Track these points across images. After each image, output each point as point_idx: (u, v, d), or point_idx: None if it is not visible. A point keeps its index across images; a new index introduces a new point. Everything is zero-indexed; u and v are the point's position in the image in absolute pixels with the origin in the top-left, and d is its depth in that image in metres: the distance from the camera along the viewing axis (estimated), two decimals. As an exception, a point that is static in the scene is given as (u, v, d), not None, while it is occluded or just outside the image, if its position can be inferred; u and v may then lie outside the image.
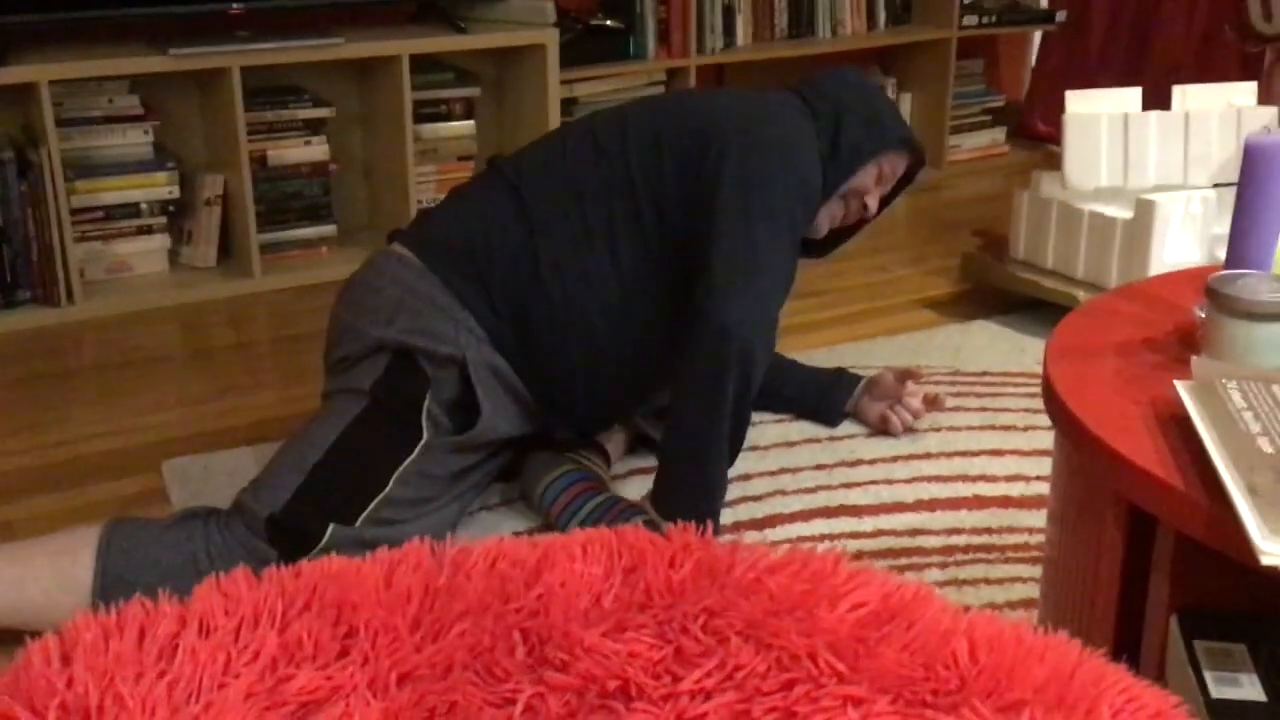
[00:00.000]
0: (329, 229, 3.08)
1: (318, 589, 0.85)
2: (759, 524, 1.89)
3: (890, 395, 2.17)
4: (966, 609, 0.84)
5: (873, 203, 2.00)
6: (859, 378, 2.21)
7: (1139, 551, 1.19)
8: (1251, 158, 1.28)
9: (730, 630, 0.80)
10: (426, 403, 1.73)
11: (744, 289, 1.71)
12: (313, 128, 3.01)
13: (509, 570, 0.86)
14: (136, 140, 2.87)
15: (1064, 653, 0.77)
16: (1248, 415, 1.10)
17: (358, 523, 1.67)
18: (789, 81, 2.05)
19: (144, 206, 2.89)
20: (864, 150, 1.93)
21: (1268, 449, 1.04)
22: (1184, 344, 1.34)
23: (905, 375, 2.18)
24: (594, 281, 1.80)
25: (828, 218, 2.00)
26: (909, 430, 2.15)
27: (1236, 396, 1.13)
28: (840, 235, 2.09)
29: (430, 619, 0.83)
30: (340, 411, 1.74)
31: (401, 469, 1.71)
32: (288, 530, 1.64)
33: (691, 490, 1.76)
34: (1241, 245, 1.31)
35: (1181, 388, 1.17)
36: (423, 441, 1.72)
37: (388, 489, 1.70)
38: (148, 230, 2.92)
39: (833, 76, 2.01)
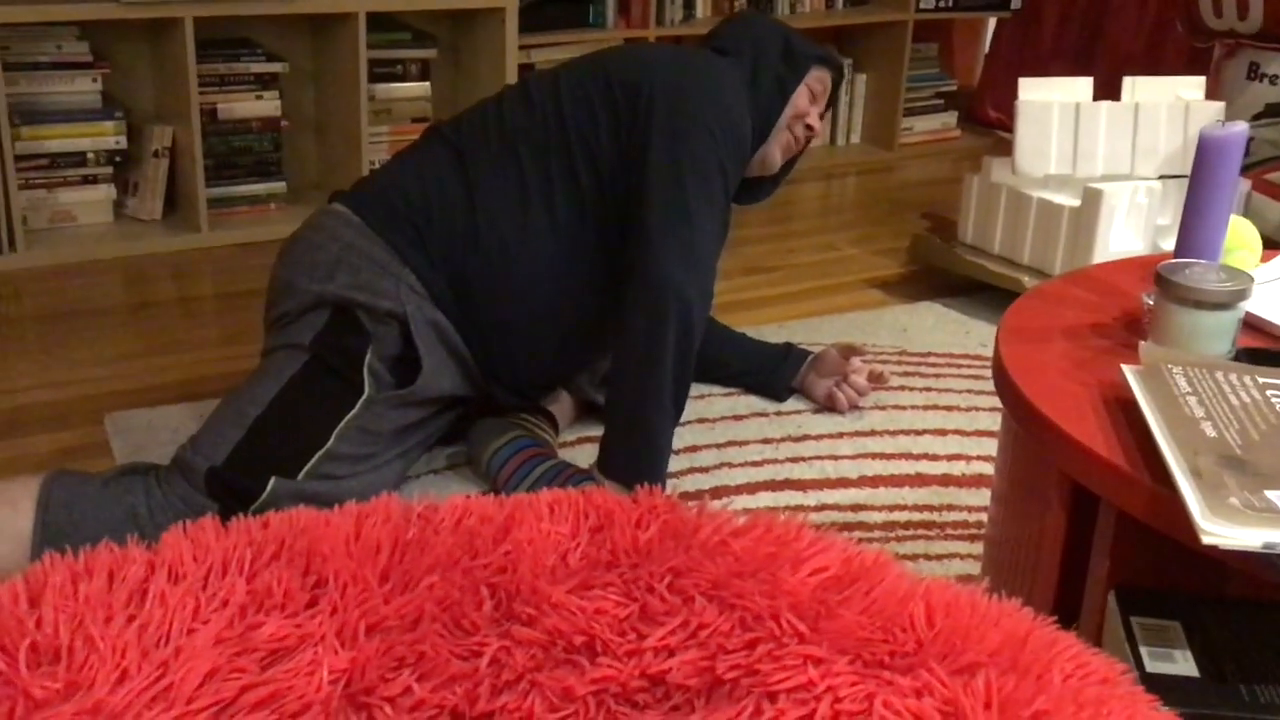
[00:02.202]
0: (278, 186, 3.05)
1: (286, 540, 0.85)
2: (705, 496, 1.92)
3: (835, 371, 2.21)
4: (922, 578, 0.87)
5: (815, 121, 2.09)
6: (807, 353, 2.24)
7: (1079, 530, 1.22)
8: (1205, 149, 1.31)
9: (695, 590, 0.82)
10: (367, 358, 1.74)
11: (676, 240, 1.75)
12: (265, 82, 2.97)
13: (477, 527, 0.87)
14: (84, 88, 2.82)
15: (1017, 619, 0.79)
16: (1192, 400, 1.14)
17: (299, 477, 1.67)
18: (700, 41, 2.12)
19: (90, 156, 2.85)
20: (787, 80, 2.02)
21: (1211, 433, 1.08)
22: (1131, 330, 1.38)
23: (849, 351, 2.22)
24: (531, 239, 1.82)
25: (779, 149, 2.07)
26: (854, 407, 2.19)
27: (1182, 381, 1.17)
28: (790, 161, 2.18)
29: (399, 571, 0.84)
30: (280, 367, 1.74)
31: (343, 424, 1.71)
32: (228, 484, 1.64)
33: (635, 450, 1.79)
34: (1191, 234, 1.34)
35: (1128, 372, 1.20)
36: (364, 396, 1.73)
37: (329, 444, 1.70)
38: (93, 180, 2.87)
39: (736, 21, 2.09)
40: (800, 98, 2.05)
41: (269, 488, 1.65)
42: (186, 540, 0.84)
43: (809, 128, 2.08)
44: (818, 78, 2.07)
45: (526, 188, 1.83)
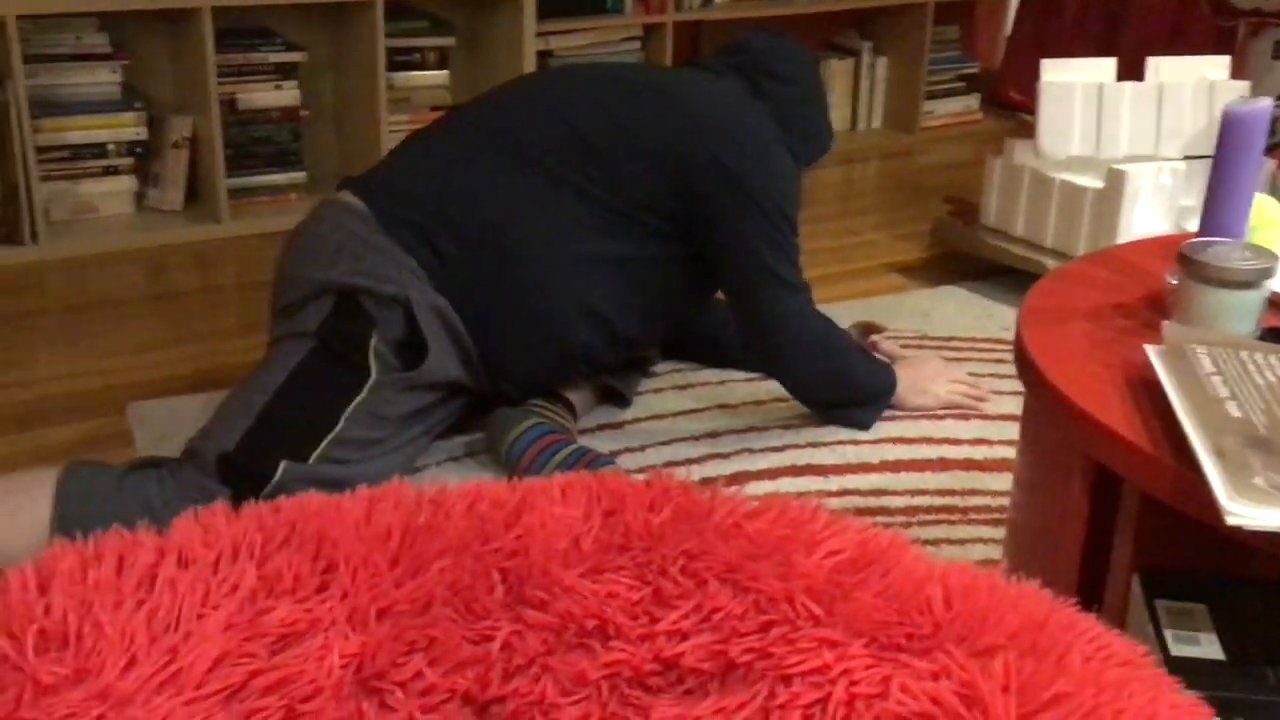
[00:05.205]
0: (298, 175, 3.05)
1: (297, 525, 0.85)
2: (726, 481, 1.90)
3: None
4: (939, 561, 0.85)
5: None
6: None
7: (1102, 513, 1.21)
8: (1229, 125, 1.29)
9: (709, 573, 0.81)
10: (373, 342, 1.74)
11: (778, 300, 1.92)
12: (284, 72, 2.97)
13: (488, 511, 0.87)
14: (104, 79, 2.82)
15: (1036, 601, 0.78)
16: (1216, 380, 1.12)
17: (309, 461, 1.67)
18: (724, 46, 2.13)
19: (111, 147, 2.85)
20: (821, 150, 2.10)
21: (1235, 413, 1.06)
22: (1154, 310, 1.36)
23: (868, 330, 2.22)
24: (543, 245, 1.82)
25: None
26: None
27: (1206, 361, 1.15)
28: None
29: (410, 556, 0.83)
30: (287, 355, 1.74)
31: (351, 408, 1.71)
32: (239, 469, 1.64)
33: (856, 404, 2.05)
34: (1215, 212, 1.32)
35: (1151, 352, 1.18)
36: (371, 380, 1.73)
37: (338, 428, 1.70)
38: (114, 171, 2.88)
39: (771, 53, 2.06)
40: None
41: (280, 472, 1.65)
42: (196, 525, 0.83)
43: None
44: None
45: (545, 195, 1.83)
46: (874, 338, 2.22)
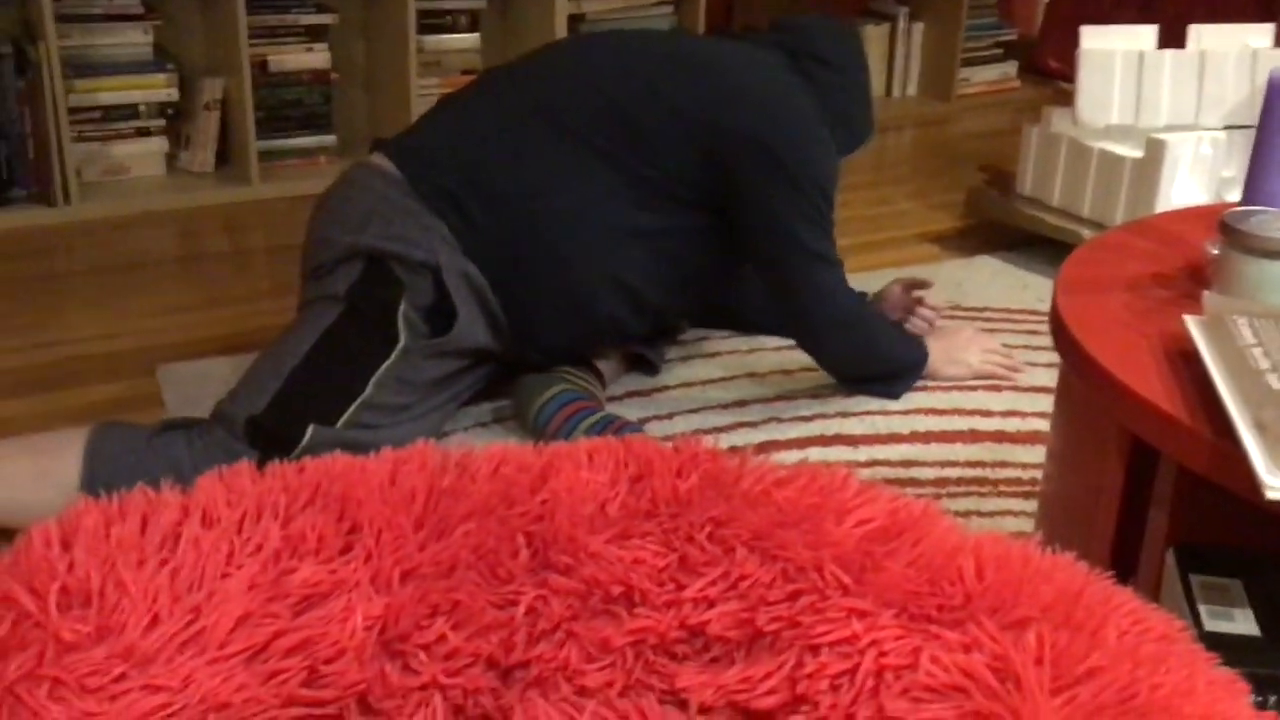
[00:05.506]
0: (328, 139, 3.05)
1: (321, 485, 0.84)
2: (754, 450, 1.89)
3: (900, 306, 2.20)
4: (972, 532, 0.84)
5: None
6: (863, 294, 2.22)
7: (1137, 486, 1.19)
8: (1274, 91, 1.26)
9: (736, 540, 0.80)
10: (402, 307, 1.73)
11: (812, 275, 1.90)
12: (315, 34, 2.96)
13: (514, 475, 0.86)
14: (136, 40, 2.82)
15: (1071, 573, 0.76)
16: (1257, 351, 1.09)
17: (338, 425, 1.67)
18: (771, 21, 2.09)
19: (142, 108, 2.85)
20: (857, 141, 2.06)
21: (1276, 385, 1.04)
22: (1194, 280, 1.33)
23: (914, 285, 2.21)
24: (575, 216, 1.81)
25: None
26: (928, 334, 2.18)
27: (1246, 332, 1.12)
28: None
29: (434, 519, 0.82)
30: (317, 318, 1.74)
31: (380, 373, 1.71)
32: (267, 431, 1.64)
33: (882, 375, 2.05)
34: (1259, 182, 1.29)
35: (1191, 322, 1.16)
36: (400, 345, 1.72)
37: (366, 392, 1.70)
38: (146, 132, 2.88)
39: (819, 34, 2.02)
40: None
41: (308, 435, 1.65)
42: (221, 485, 0.83)
43: None
44: None
45: (580, 165, 1.81)
46: (918, 293, 2.20)
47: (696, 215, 1.88)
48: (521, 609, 0.78)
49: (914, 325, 2.20)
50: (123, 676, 0.69)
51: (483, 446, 0.91)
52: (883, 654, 0.72)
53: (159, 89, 2.85)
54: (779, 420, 1.98)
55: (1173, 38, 2.66)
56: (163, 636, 0.71)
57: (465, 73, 3.15)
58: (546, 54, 1.97)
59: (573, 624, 0.78)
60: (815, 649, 0.73)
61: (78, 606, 0.72)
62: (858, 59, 2.04)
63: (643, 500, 0.84)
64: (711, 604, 0.77)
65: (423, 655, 0.77)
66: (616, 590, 0.79)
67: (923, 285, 2.21)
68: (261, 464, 0.90)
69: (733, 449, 1.86)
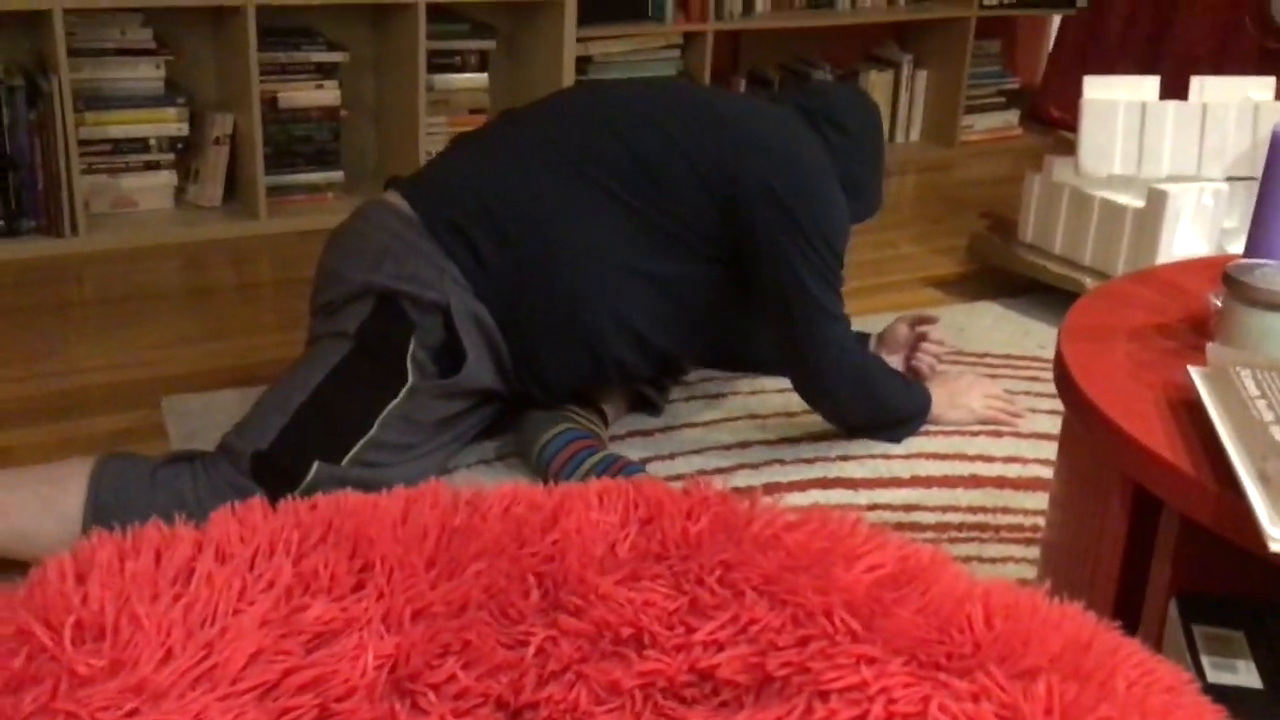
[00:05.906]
0: (336, 175, 3.07)
1: (334, 522, 0.84)
2: (757, 491, 1.89)
3: (905, 345, 2.21)
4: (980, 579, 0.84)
5: None
6: (866, 335, 2.23)
7: (1140, 536, 1.19)
8: (1276, 148, 1.27)
9: (746, 584, 0.80)
10: (411, 347, 1.74)
11: (820, 327, 1.91)
12: (325, 71, 2.99)
13: (525, 514, 0.86)
14: (148, 74, 2.84)
15: (1080, 623, 0.77)
16: (1261, 403, 1.10)
17: (343, 463, 1.67)
18: (799, 86, 2.12)
19: (152, 142, 2.87)
20: (866, 213, 2.07)
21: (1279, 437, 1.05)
22: (1197, 331, 1.34)
23: (920, 321, 2.22)
24: (586, 259, 1.82)
25: None
26: (933, 374, 2.19)
27: (1250, 384, 1.13)
28: None
29: (446, 558, 0.83)
30: (325, 354, 1.74)
31: (386, 412, 1.71)
32: (272, 468, 1.64)
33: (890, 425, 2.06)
34: (1262, 233, 1.30)
35: (1195, 373, 1.17)
36: (408, 385, 1.73)
37: (373, 431, 1.70)
38: (155, 166, 2.90)
39: (837, 100, 2.05)
40: None
41: (312, 472, 1.65)
42: (234, 521, 0.83)
43: None
44: None
45: (594, 209, 1.83)
46: (922, 328, 2.21)
47: (707, 266, 1.89)
48: (531, 650, 0.79)
49: (918, 361, 2.21)
50: (135, 712, 0.69)
51: (494, 486, 0.91)
52: (892, 701, 0.72)
53: (169, 123, 2.87)
54: (781, 462, 1.99)
55: (1175, 89, 2.69)
56: (175, 671, 0.72)
57: (473, 111, 3.18)
58: (564, 99, 1.98)
59: (582, 665, 0.78)
60: (825, 695, 0.73)
61: (92, 640, 0.73)
62: (875, 130, 2.06)
63: (653, 542, 0.84)
64: (721, 648, 0.78)
65: (432, 695, 0.77)
66: (626, 632, 0.79)
67: (928, 321, 2.22)
68: (270, 499, 0.91)
69: (736, 492, 1.87)
